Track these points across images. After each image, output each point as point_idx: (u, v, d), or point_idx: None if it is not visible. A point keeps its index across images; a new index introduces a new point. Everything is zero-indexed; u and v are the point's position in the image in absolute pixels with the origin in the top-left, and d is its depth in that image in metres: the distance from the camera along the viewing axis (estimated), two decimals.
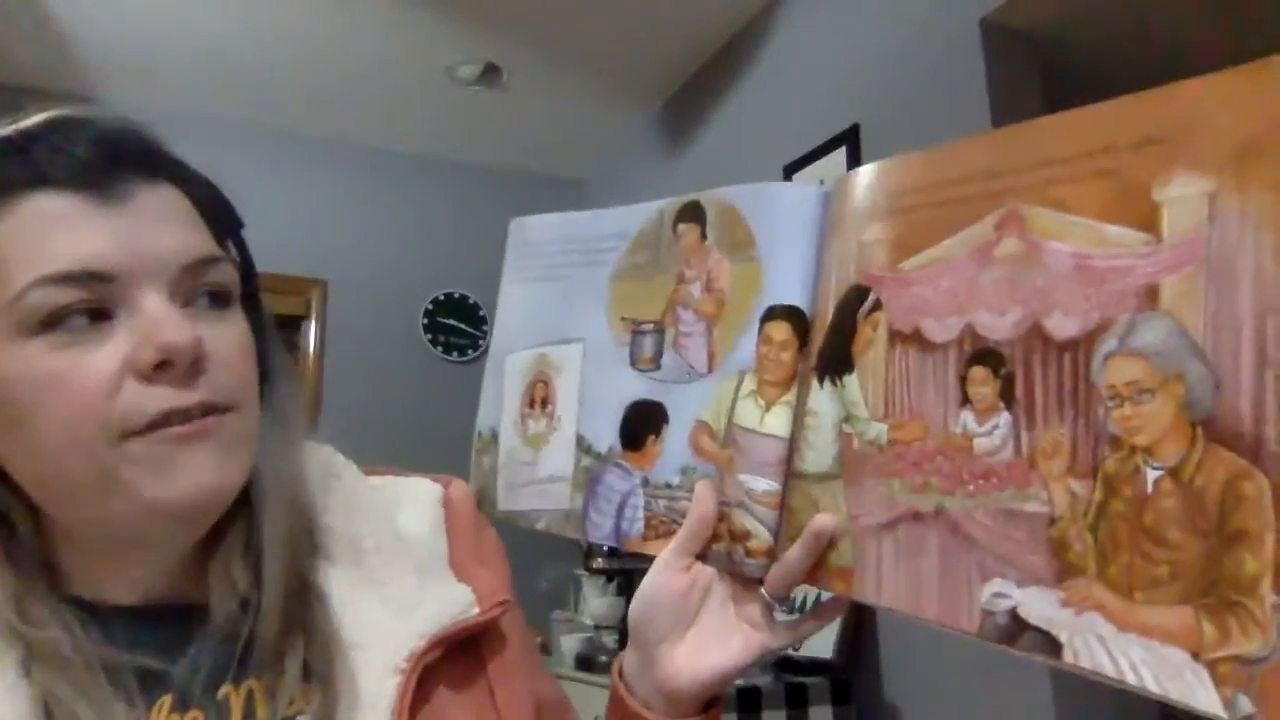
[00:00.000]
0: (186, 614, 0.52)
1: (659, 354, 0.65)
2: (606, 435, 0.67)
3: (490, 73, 3.02)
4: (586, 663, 2.59)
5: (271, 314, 0.60)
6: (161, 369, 0.46)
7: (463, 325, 3.68)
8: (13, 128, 0.48)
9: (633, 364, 0.67)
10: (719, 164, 2.97)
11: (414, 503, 0.62)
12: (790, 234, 0.59)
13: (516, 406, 0.74)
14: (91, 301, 0.45)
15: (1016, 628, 0.43)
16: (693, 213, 0.65)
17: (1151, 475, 0.38)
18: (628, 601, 3.11)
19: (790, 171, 2.54)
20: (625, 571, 3.01)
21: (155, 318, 0.46)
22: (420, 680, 0.52)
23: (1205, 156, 0.38)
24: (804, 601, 1.71)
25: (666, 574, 0.59)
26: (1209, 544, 0.36)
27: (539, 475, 0.71)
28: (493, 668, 0.59)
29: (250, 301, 0.57)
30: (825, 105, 2.43)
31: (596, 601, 2.92)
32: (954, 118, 2.01)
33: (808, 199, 0.59)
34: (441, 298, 3.63)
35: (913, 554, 0.48)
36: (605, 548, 2.70)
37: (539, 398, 0.72)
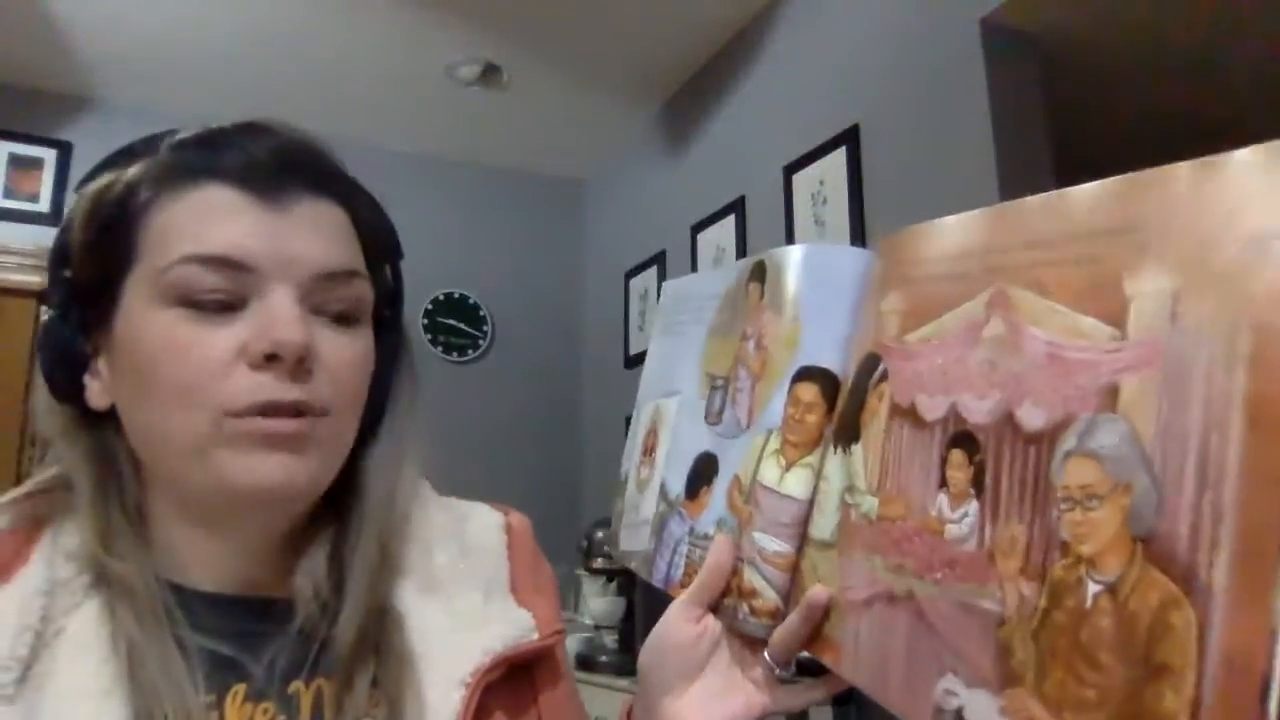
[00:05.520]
0: (264, 608, 0.54)
1: (723, 409, 0.67)
2: (678, 484, 0.69)
3: (490, 73, 3.00)
4: (586, 663, 2.58)
5: (410, 345, 0.64)
6: (270, 361, 0.49)
7: (462, 325, 3.66)
8: (210, 127, 0.54)
9: (705, 418, 0.68)
10: (719, 164, 2.92)
11: (479, 525, 0.65)
12: (830, 296, 0.59)
13: (638, 452, 0.77)
14: (227, 291, 0.50)
15: None
16: (758, 272, 0.66)
17: (1092, 589, 0.36)
18: (628, 601, 3.08)
19: (790, 171, 2.47)
20: (626, 571, 3.00)
21: (277, 313, 0.50)
22: (480, 697, 0.53)
23: (1172, 252, 0.35)
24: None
25: (676, 623, 0.59)
26: (1134, 673, 0.33)
27: (638, 519, 0.74)
28: (544, 699, 0.60)
29: (392, 325, 0.61)
30: (825, 105, 2.38)
31: (596, 601, 2.88)
32: (954, 118, 1.95)
33: (852, 260, 0.59)
34: (441, 298, 3.64)
35: (884, 635, 0.47)
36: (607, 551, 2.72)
37: (649, 446, 0.76)
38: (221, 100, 3.11)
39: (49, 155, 3.10)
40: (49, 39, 2.80)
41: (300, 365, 0.50)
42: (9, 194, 3.03)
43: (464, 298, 3.70)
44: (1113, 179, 0.40)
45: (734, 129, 2.88)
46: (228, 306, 0.50)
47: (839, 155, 2.31)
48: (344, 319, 0.54)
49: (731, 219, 2.81)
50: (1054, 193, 0.43)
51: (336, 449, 0.54)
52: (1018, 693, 0.39)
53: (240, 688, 0.51)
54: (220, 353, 0.49)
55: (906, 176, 2.11)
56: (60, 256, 0.54)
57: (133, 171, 0.52)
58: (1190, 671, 0.31)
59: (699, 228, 3.00)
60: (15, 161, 3.06)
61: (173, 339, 0.49)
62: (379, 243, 0.59)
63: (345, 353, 0.53)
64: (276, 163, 0.52)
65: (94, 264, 0.52)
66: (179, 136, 0.53)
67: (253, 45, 2.89)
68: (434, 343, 3.61)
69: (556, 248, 3.92)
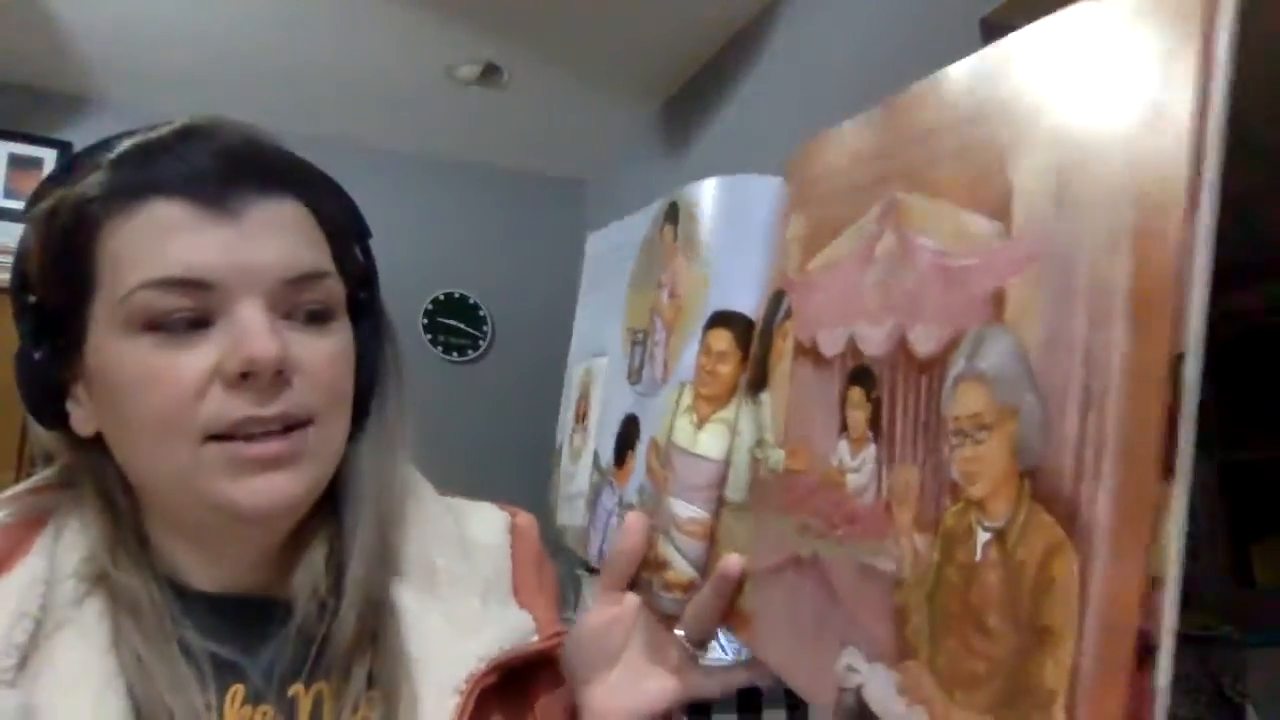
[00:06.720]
0: (264, 609, 0.53)
1: (642, 365, 0.61)
2: (609, 451, 0.63)
3: (490, 73, 2.95)
4: None
5: (392, 325, 0.61)
6: (246, 379, 0.47)
7: (462, 325, 3.61)
8: (147, 136, 0.50)
9: (627, 377, 0.62)
10: (720, 163, 2.88)
11: (483, 527, 0.62)
12: (742, 232, 0.52)
13: (571, 420, 0.72)
14: (192, 309, 0.47)
15: (860, 712, 0.35)
16: (671, 213, 0.60)
17: (982, 538, 0.29)
18: None
19: None
20: None
21: (246, 328, 0.47)
22: (476, 703, 0.51)
23: (1054, 125, 0.29)
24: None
25: (594, 608, 0.55)
26: (1022, 640, 0.27)
27: (572, 490, 0.69)
28: (540, 705, 0.57)
29: (369, 308, 0.58)
30: (825, 105, 2.31)
31: None
32: None
33: (763, 192, 0.52)
34: (441, 298, 3.60)
35: (792, 606, 0.41)
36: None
37: (581, 411, 0.70)
38: (220, 100, 3.08)
39: (49, 155, 3.09)
40: (49, 39, 2.79)
41: (279, 378, 0.48)
42: (9, 194, 3.02)
43: (464, 298, 3.69)
44: (989, 47, 0.34)
45: (734, 128, 2.85)
46: (195, 325, 0.47)
47: None
48: (317, 318, 0.51)
49: None
50: (933, 75, 0.37)
51: (329, 454, 0.52)
52: (911, 666, 0.33)
53: (239, 689, 0.50)
54: (193, 376, 0.47)
55: None
56: (22, 283, 0.52)
57: (77, 191, 0.49)
58: (1071, 633, 0.25)
59: None
60: (15, 161, 3.06)
61: (144, 368, 0.47)
62: (343, 229, 0.56)
63: (323, 354, 0.51)
64: (221, 167, 0.49)
65: (56, 291, 0.50)
66: (117, 150, 0.50)
67: (252, 45, 2.87)
68: (434, 343, 3.60)
69: (556, 248, 3.88)
